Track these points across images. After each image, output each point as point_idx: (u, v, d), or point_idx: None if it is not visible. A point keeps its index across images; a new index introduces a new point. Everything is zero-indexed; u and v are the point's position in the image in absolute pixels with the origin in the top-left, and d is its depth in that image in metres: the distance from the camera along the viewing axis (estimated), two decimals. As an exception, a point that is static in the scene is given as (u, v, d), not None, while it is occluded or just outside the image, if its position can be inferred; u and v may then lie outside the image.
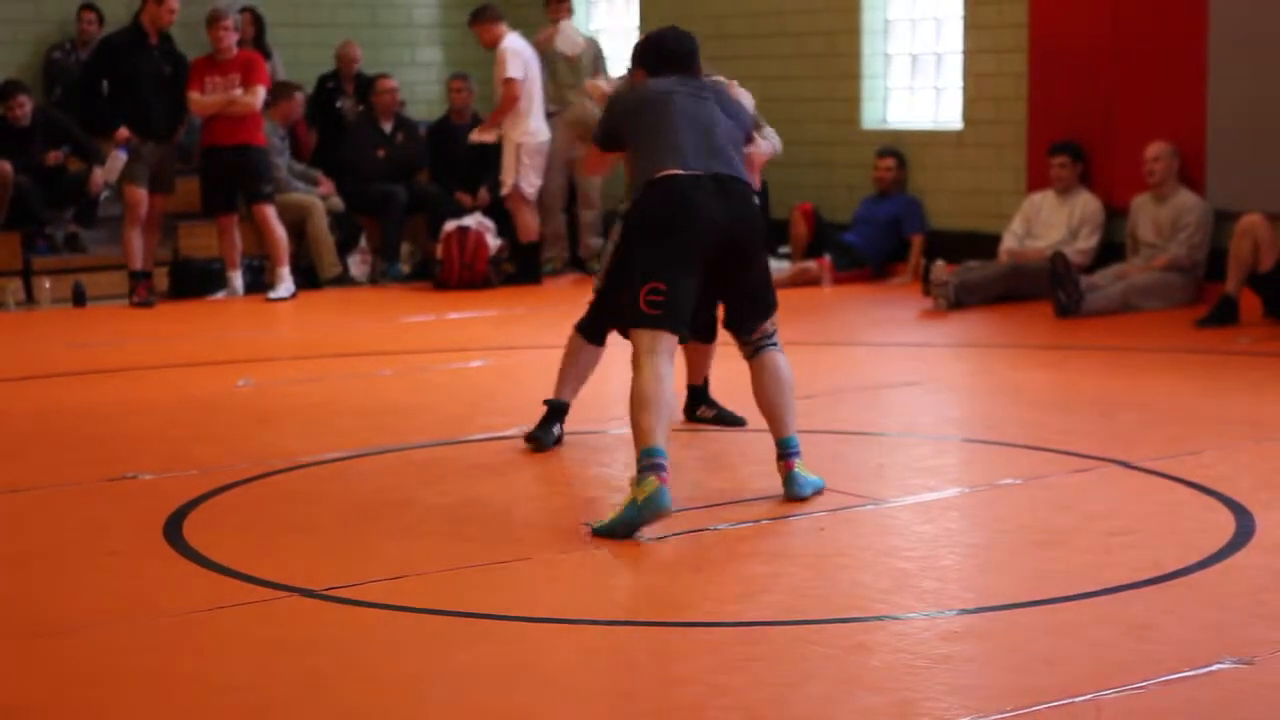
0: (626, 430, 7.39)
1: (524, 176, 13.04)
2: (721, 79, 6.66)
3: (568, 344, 7.13)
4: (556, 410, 7.10)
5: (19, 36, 14.14)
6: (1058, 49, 12.22)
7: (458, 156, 13.96)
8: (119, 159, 12.07)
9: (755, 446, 7.09)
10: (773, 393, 6.24)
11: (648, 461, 5.74)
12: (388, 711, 4.17)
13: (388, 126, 13.94)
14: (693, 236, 5.96)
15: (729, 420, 7.51)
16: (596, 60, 13.81)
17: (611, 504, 6.16)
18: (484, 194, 13.70)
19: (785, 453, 6.20)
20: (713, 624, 4.79)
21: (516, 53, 12.87)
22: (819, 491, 6.20)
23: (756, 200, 6.26)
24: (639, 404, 5.83)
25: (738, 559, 5.44)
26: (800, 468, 6.19)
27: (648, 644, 4.69)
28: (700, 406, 7.58)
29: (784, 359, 6.28)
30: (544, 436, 7.04)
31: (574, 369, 7.13)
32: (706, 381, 7.57)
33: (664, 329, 5.94)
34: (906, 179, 13.12)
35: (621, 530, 5.65)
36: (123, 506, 6.23)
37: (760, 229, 6.20)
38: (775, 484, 6.34)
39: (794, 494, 6.15)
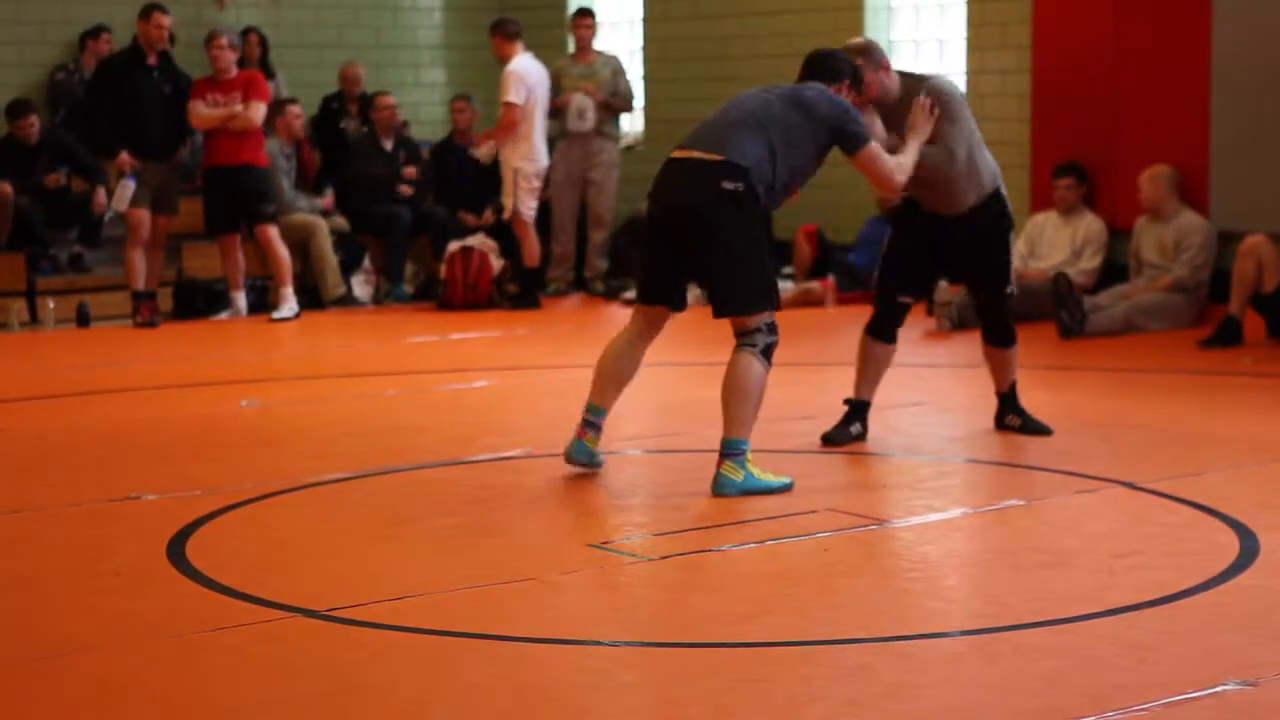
0: (636, 451, 7.43)
1: (522, 201, 13.02)
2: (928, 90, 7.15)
3: (859, 346, 7.55)
4: (856, 408, 7.49)
5: (24, 59, 14.17)
6: (1061, 70, 12.24)
7: (461, 177, 13.98)
8: (128, 187, 12.07)
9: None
10: (724, 392, 6.52)
11: (583, 415, 6.72)
12: (390, 732, 4.17)
13: (388, 144, 13.96)
14: (657, 219, 6.60)
15: (1036, 429, 7.60)
16: (617, 78, 13.81)
17: (615, 524, 6.17)
18: (488, 214, 13.71)
19: (720, 452, 6.48)
20: (717, 645, 4.78)
21: (521, 77, 12.84)
22: (757, 492, 6.43)
23: (732, 186, 6.40)
24: (598, 364, 6.77)
25: (742, 579, 5.44)
26: (729, 469, 6.43)
27: (651, 665, 4.69)
28: (1008, 415, 7.67)
29: (753, 362, 6.48)
30: (839, 434, 7.42)
31: (868, 367, 7.51)
32: (1014, 388, 7.66)
33: (638, 303, 6.77)
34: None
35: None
36: (126, 527, 6.22)
37: (718, 216, 6.42)
38: (779, 504, 6.34)
39: (714, 491, 6.44)
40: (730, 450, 6.44)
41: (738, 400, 6.44)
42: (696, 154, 6.50)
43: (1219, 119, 11.42)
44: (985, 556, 5.84)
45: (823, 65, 6.87)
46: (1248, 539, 5.77)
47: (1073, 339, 10.76)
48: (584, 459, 6.72)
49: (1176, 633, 4.81)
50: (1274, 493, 6.52)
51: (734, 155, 6.42)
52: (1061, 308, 10.82)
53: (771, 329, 6.51)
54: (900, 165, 6.88)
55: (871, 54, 7.19)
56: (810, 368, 9.84)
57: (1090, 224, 11.87)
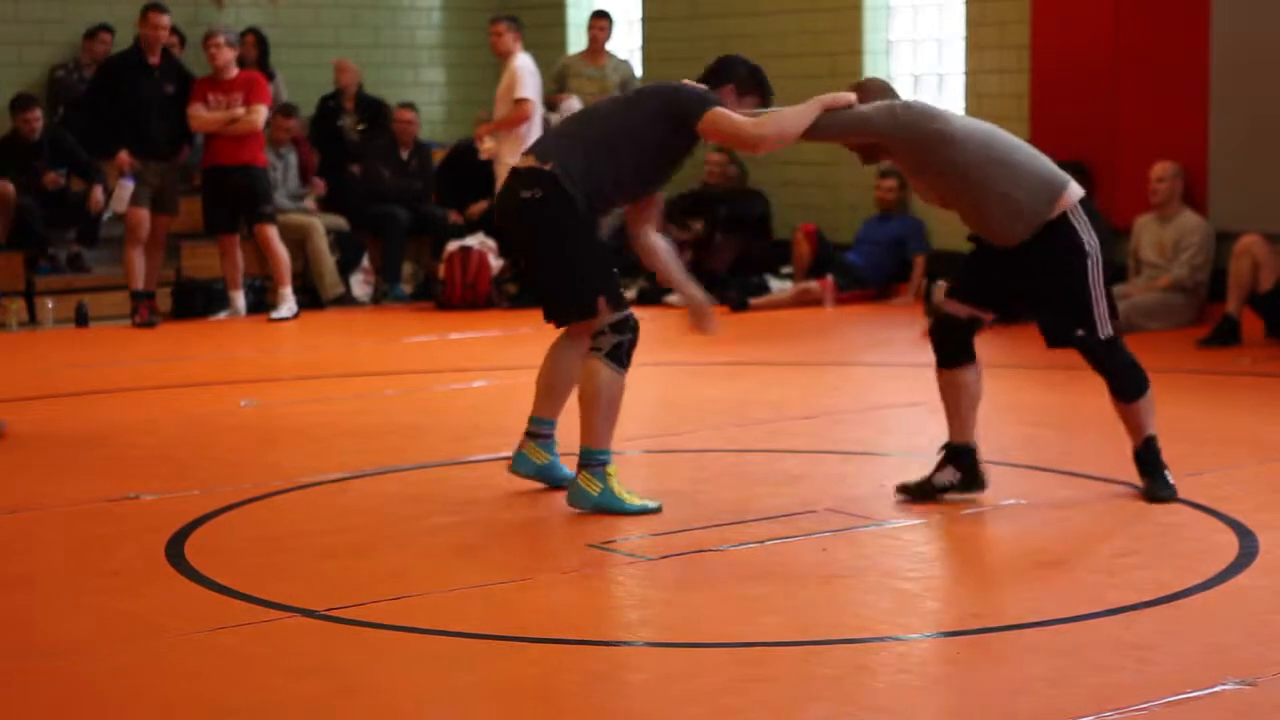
0: (634, 451, 7.42)
1: None
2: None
3: (938, 382, 6.59)
4: (949, 454, 6.46)
5: (23, 58, 14.18)
6: (1060, 70, 12.25)
7: (475, 180, 13.93)
8: (126, 188, 12.08)
9: (757, 467, 7.10)
10: (578, 400, 6.29)
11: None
12: (390, 732, 4.17)
13: (405, 153, 14.00)
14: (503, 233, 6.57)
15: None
16: (626, 84, 13.81)
17: (614, 524, 6.16)
18: (472, 209, 13.71)
19: (578, 461, 6.27)
20: (715, 645, 4.78)
21: (532, 73, 12.83)
22: (613, 512, 6.16)
23: (529, 194, 6.20)
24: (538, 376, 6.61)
25: (740, 580, 5.44)
26: (585, 481, 6.21)
27: (651, 665, 4.69)
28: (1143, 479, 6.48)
29: (598, 368, 6.20)
30: (921, 486, 6.43)
31: (946, 402, 6.55)
32: (1148, 443, 6.43)
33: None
34: (909, 199, 13.14)
35: None
36: (125, 527, 6.22)
37: (523, 227, 6.27)
38: (777, 504, 6.35)
39: (568, 502, 6.26)
40: (585, 460, 6.22)
41: (585, 409, 6.21)
42: (526, 164, 6.30)
43: (1218, 119, 11.42)
44: (985, 556, 5.84)
45: (712, 70, 6.51)
46: (1247, 539, 5.77)
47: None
48: (527, 471, 6.55)
49: (1175, 633, 4.81)
50: (1273, 492, 6.52)
51: (541, 159, 6.22)
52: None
53: (618, 328, 6.21)
54: (772, 120, 6.19)
55: (867, 91, 6.37)
56: (809, 367, 9.85)
57: (1088, 223, 11.87)
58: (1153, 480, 6.38)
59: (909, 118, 6.22)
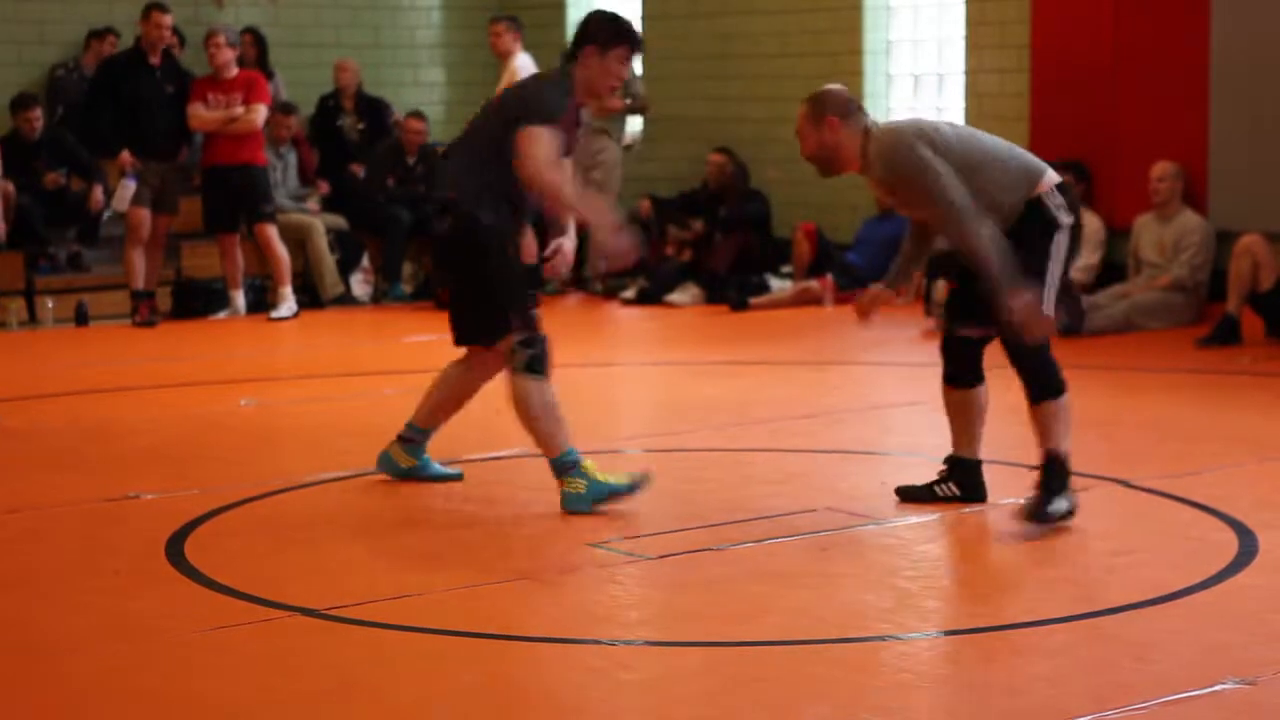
0: (634, 451, 7.43)
1: None
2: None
3: (946, 399, 6.47)
4: (952, 467, 6.40)
5: (23, 58, 14.18)
6: (1060, 70, 12.25)
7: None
8: (128, 187, 12.08)
9: (757, 467, 7.10)
10: (520, 421, 6.38)
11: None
12: (390, 732, 4.17)
13: (411, 160, 14.01)
14: None
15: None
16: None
17: (613, 523, 6.16)
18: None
19: (553, 474, 6.33)
20: (714, 644, 4.78)
21: (531, 71, 12.82)
22: (610, 494, 6.22)
23: (441, 225, 6.37)
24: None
25: (739, 579, 5.44)
26: (568, 485, 6.28)
27: (651, 665, 4.69)
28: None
29: (521, 383, 6.29)
30: (918, 491, 6.40)
31: (954, 419, 6.45)
32: (1054, 459, 6.06)
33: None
34: (908, 199, 13.13)
35: None
36: (124, 526, 6.23)
37: (444, 250, 6.46)
38: (776, 504, 6.35)
39: (565, 509, 6.27)
40: (558, 469, 6.30)
41: (528, 427, 6.34)
42: (438, 193, 6.50)
43: (1218, 119, 11.42)
44: (983, 555, 5.84)
45: (574, 37, 6.37)
46: (1246, 538, 5.77)
47: (1071, 337, 10.75)
48: (390, 472, 6.79)
49: (1175, 632, 4.81)
50: (1273, 491, 6.52)
51: (447, 188, 6.39)
52: (1059, 306, 10.81)
53: (526, 344, 6.31)
54: (560, 176, 6.24)
55: (826, 104, 6.27)
56: (809, 366, 9.85)
57: (1087, 222, 11.85)
58: (1041, 495, 5.93)
59: (928, 139, 6.14)
